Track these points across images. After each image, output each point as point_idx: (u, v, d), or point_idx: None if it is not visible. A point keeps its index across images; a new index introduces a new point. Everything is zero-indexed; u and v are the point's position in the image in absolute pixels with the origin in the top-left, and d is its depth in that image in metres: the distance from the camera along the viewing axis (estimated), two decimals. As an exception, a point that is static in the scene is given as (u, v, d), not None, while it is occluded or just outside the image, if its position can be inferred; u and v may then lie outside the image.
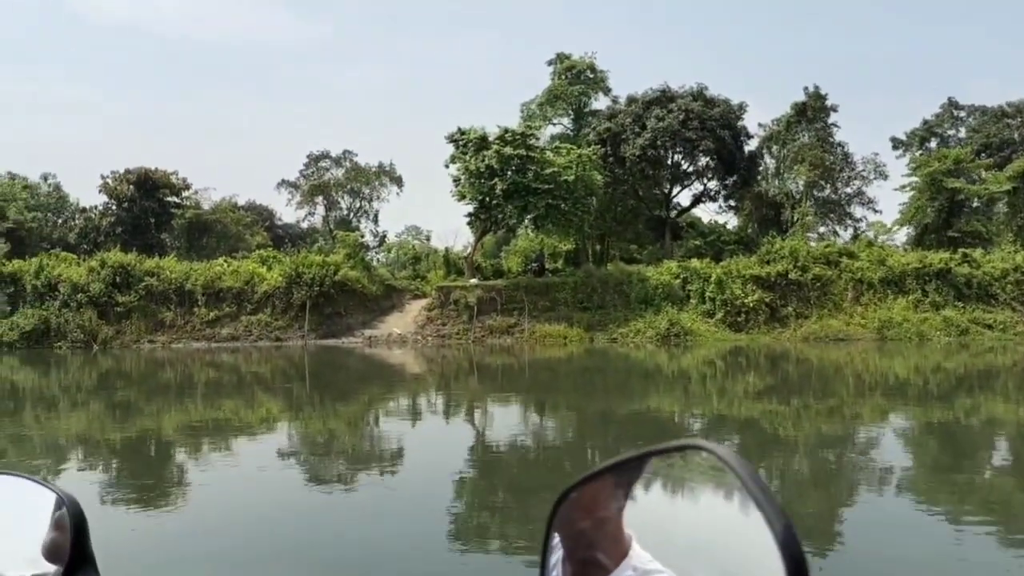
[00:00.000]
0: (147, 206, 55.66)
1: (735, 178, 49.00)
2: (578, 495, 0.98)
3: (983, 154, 47.97)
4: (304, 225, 70.04)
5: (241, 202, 65.76)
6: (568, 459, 12.92)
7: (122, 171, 56.66)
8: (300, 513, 9.25)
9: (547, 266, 45.15)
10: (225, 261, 42.18)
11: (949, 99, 57.46)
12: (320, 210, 68.25)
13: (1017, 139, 51.06)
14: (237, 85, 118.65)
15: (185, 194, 59.36)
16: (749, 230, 52.68)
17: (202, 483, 10.96)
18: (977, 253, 36.96)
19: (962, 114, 56.89)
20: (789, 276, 35.70)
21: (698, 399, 19.73)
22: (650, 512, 0.91)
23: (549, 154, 38.90)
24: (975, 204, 43.92)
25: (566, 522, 0.99)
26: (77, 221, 59.17)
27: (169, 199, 57.62)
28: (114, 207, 56.83)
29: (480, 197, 38.06)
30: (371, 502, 9.92)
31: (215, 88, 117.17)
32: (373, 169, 66.74)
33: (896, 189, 48.74)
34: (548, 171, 36.87)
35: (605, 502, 0.95)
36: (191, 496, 10.32)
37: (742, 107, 48.25)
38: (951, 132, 57.54)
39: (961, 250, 36.91)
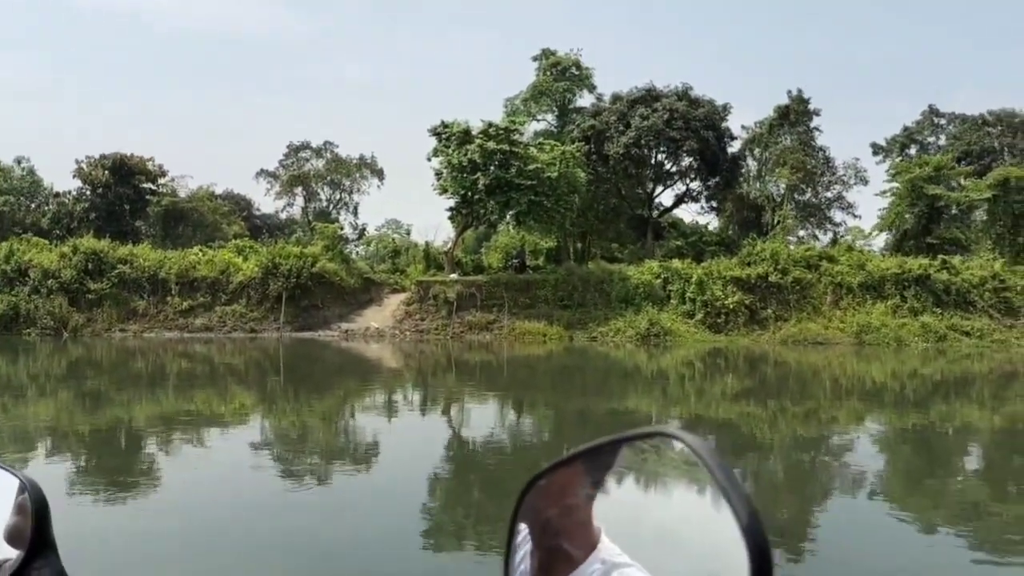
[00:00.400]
0: (122, 192, 54.81)
1: (717, 179, 49.09)
2: (546, 483, 0.96)
3: (963, 161, 48.38)
4: (283, 216, 69.42)
5: (219, 191, 65.01)
6: (544, 458, 12.63)
7: (97, 156, 55.80)
8: (274, 510, 9.07)
9: (528, 263, 44.90)
10: (200, 250, 41.59)
11: (930, 106, 57.93)
12: (299, 201, 67.64)
13: (997, 147, 51.50)
14: (222, 76, 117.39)
15: (161, 181, 58.54)
16: (730, 232, 52.74)
17: (174, 478, 10.67)
18: (956, 260, 37.16)
19: (942, 121, 57.30)
20: (769, 278, 35.71)
21: (676, 400, 19.64)
22: (620, 504, 0.90)
23: (532, 150, 38.65)
24: (954, 211, 44.22)
25: (533, 511, 0.97)
26: (50, 206, 58.14)
27: (145, 186, 56.79)
28: (88, 192, 55.93)
29: (462, 191, 37.74)
30: (346, 499, 9.75)
31: (199, 78, 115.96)
32: (354, 161, 66.18)
33: (877, 194, 49.03)
34: (531, 167, 36.61)
35: (574, 491, 0.94)
36: (163, 491, 10.05)
37: (726, 108, 48.33)
38: (931, 139, 57.95)
39: (940, 256, 37.08)
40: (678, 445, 0.84)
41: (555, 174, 36.95)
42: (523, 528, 1.00)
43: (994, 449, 14.22)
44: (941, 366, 27.16)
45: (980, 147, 51.75)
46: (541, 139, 44.06)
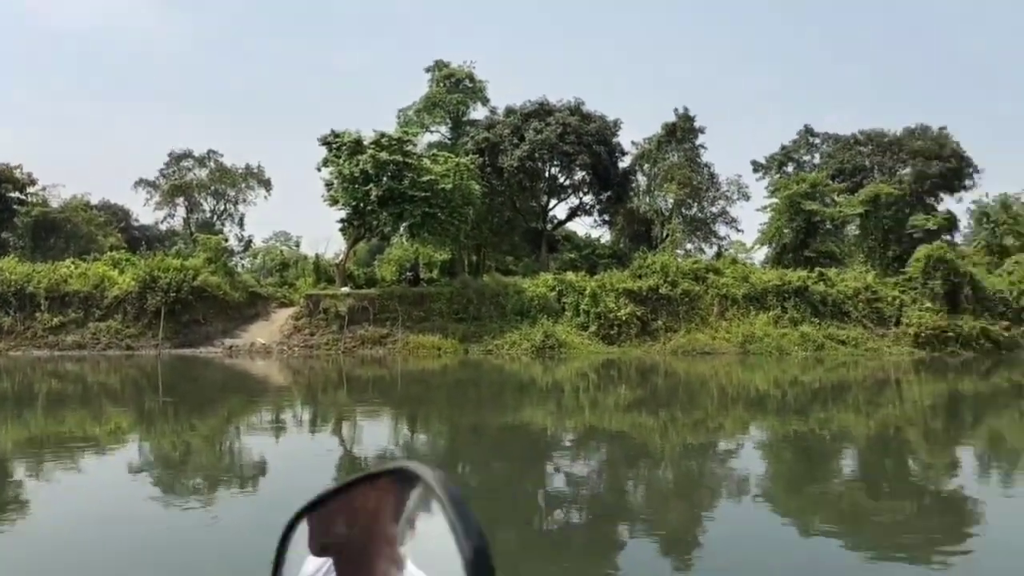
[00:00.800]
0: (-14, 202, 51.25)
1: (609, 193, 50.01)
2: (318, 516, 0.99)
3: (837, 179, 50.91)
4: (163, 227, 66.63)
5: (94, 201, 61.88)
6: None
7: (-42, 163, 52.02)
8: (158, 535, 8.47)
9: (422, 276, 44.50)
10: (73, 263, 39.16)
11: (805, 126, 60.78)
12: (181, 212, 65.06)
13: (868, 165, 54.43)
14: (98, 80, 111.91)
15: (31, 190, 55.12)
16: (622, 245, 53.88)
17: (44, 506, 9.85)
18: (832, 272, 38.98)
19: (817, 141, 60.15)
20: (660, 291, 36.52)
21: (571, 411, 19.69)
22: (420, 532, 0.92)
23: (426, 162, 38.31)
24: (829, 226, 46.50)
25: (326, 541, 0.99)
26: (-95, 216, 53.79)
27: (12, 195, 53.29)
28: (-51, 202, 52.04)
29: (354, 203, 36.99)
30: (233, 519, 9.20)
31: (74, 81, 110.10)
32: (239, 171, 64.15)
33: (758, 210, 51.27)
34: (425, 179, 36.24)
35: (354, 522, 0.96)
36: (33, 521, 9.27)
37: (617, 124, 49.32)
38: (807, 158, 60.71)
39: (817, 269, 38.85)
40: (419, 480, 0.87)
41: (449, 186, 36.70)
42: (321, 562, 0.99)
43: (869, 452, 14.82)
44: (820, 374, 28.32)
45: (852, 165, 54.52)
46: (435, 151, 43.76)
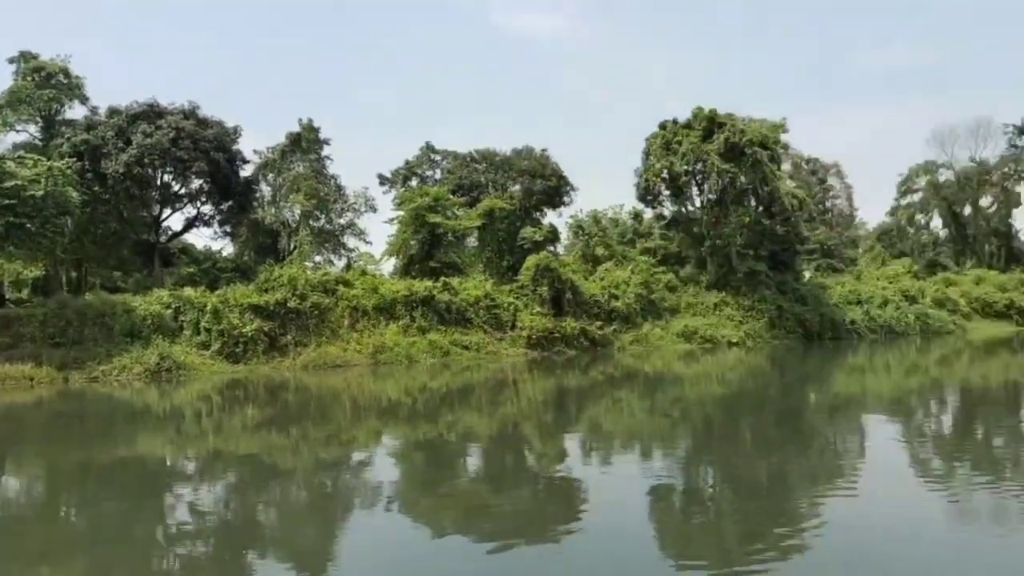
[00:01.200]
0: None
1: (231, 203, 47.91)
2: None
3: (457, 193, 54.17)
4: None
5: None
6: (37, 522, 10.72)
7: None
8: None
9: (8, 296, 38.48)
10: None
11: (427, 143, 63.99)
12: None
13: (484, 182, 58.77)
14: None
15: None
16: (246, 257, 51.91)
17: None
18: (455, 281, 41.37)
19: (438, 157, 63.63)
20: (288, 304, 35.59)
21: (193, 438, 18.32)
22: None
23: (11, 164, 33.09)
24: (451, 238, 49.25)
25: None
26: None
27: None
28: None
29: (-89, 211, 30.64)
30: None
31: None
32: None
33: (385, 222, 52.67)
34: (9, 184, 31.25)
35: None
36: None
37: (236, 131, 47.44)
38: (429, 173, 63.89)
39: (442, 279, 40.95)
40: None
41: (40, 193, 32.06)
42: None
43: (492, 449, 15.84)
44: (447, 379, 29.74)
45: (470, 181, 58.44)
46: (21, 153, 38.04)
